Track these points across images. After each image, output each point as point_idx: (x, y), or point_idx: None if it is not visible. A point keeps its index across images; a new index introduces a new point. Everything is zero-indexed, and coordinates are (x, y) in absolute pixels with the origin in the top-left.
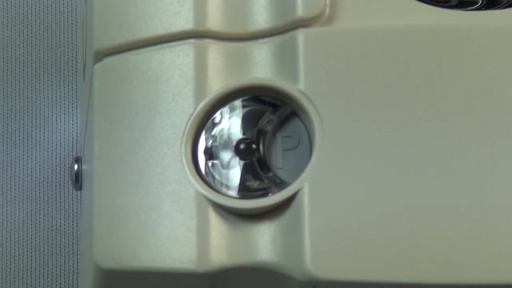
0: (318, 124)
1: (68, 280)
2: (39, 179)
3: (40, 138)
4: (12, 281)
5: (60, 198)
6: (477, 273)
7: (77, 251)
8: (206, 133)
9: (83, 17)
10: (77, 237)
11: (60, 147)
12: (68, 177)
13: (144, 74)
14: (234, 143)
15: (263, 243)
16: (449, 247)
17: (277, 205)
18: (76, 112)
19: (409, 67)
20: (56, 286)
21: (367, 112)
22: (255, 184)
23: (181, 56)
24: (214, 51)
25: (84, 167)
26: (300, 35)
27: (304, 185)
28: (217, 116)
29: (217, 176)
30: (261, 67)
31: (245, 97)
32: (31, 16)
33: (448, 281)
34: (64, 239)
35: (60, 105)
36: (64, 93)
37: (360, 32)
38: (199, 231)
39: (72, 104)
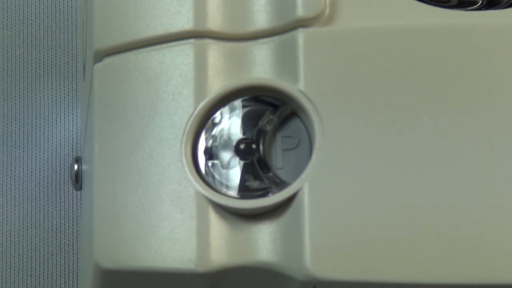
0: (318, 124)
1: (68, 280)
2: (39, 179)
3: (40, 138)
4: (12, 281)
5: (60, 198)
6: (477, 273)
7: (77, 251)
8: (206, 133)
9: (83, 17)
10: (77, 237)
11: (60, 147)
12: (68, 177)
13: (144, 74)
14: (234, 143)
15: (263, 243)
16: (449, 247)
17: (277, 205)
18: (76, 112)
19: (409, 67)
20: (56, 286)
21: (367, 112)
22: (255, 184)
23: (181, 56)
24: (214, 51)
25: (84, 167)
26: (300, 35)
27: (304, 185)
28: (217, 116)
29: (217, 176)
30: (261, 67)
31: (245, 97)
32: (31, 16)
33: (448, 281)
34: (64, 239)
35: (60, 105)
36: (64, 93)
37: (360, 32)
38: (199, 231)
39: (72, 104)
